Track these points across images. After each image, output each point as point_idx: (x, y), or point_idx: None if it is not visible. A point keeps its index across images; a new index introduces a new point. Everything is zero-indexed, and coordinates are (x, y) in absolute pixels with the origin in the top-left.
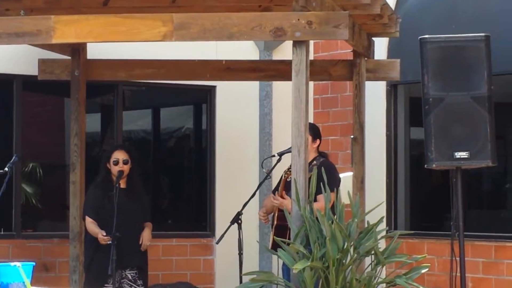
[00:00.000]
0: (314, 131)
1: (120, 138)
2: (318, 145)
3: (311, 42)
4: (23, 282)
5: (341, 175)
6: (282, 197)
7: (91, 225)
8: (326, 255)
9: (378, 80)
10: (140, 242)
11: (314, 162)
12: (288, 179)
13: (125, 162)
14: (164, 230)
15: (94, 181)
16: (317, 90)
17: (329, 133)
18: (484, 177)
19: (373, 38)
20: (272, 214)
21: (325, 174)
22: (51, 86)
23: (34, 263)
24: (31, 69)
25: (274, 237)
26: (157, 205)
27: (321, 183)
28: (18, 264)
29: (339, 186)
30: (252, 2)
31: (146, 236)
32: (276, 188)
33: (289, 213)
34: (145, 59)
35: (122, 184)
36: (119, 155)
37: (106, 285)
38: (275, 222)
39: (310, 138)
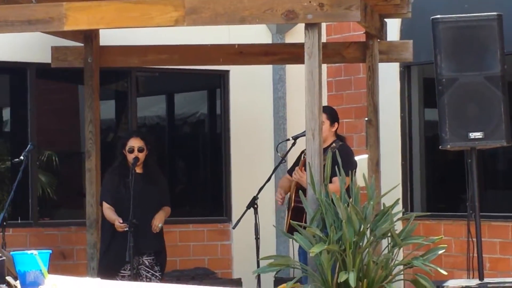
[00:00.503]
0: (332, 115)
1: (134, 124)
2: (336, 129)
3: (323, 25)
4: (40, 270)
5: (356, 158)
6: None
7: (108, 211)
8: (343, 238)
9: (391, 62)
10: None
11: (333, 145)
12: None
13: (140, 150)
14: (181, 216)
15: (111, 167)
16: (330, 72)
17: (343, 115)
18: (499, 157)
19: (385, 19)
20: (289, 196)
21: (340, 157)
22: (64, 74)
23: (51, 251)
24: (44, 57)
25: (290, 220)
26: (173, 191)
27: (336, 167)
28: (34, 252)
29: (355, 170)
30: None
31: (157, 217)
32: (292, 169)
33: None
34: (157, 44)
35: (139, 170)
36: (134, 142)
37: (122, 271)
38: (292, 205)
39: (328, 122)
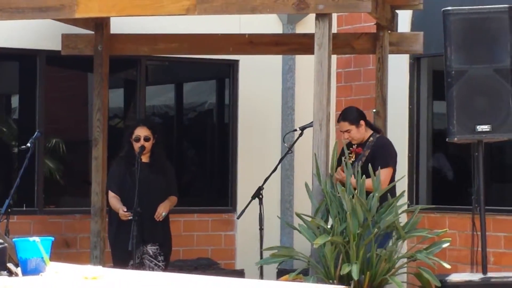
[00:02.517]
0: (352, 117)
1: (143, 113)
2: (365, 124)
3: (334, 15)
4: (42, 258)
5: None
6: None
7: (113, 199)
8: (347, 229)
9: (402, 53)
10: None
11: (371, 138)
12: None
13: (146, 139)
14: (185, 206)
15: (118, 155)
16: (340, 63)
17: None
18: (506, 150)
19: (397, 11)
20: None
21: (379, 150)
22: (74, 61)
23: (53, 238)
24: (55, 44)
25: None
26: (179, 180)
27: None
28: (37, 239)
29: (396, 161)
30: None
31: (162, 205)
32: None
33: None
34: (168, 33)
35: (145, 159)
36: (140, 131)
37: (132, 261)
38: None
39: (353, 127)
